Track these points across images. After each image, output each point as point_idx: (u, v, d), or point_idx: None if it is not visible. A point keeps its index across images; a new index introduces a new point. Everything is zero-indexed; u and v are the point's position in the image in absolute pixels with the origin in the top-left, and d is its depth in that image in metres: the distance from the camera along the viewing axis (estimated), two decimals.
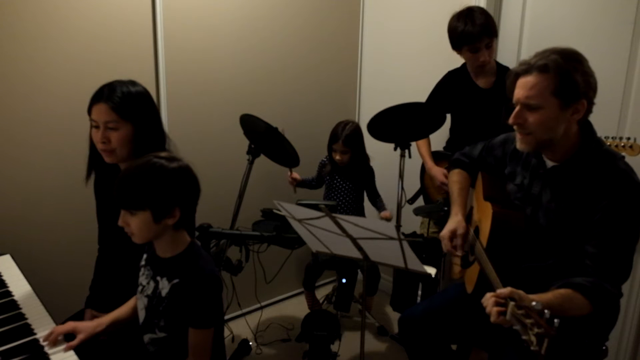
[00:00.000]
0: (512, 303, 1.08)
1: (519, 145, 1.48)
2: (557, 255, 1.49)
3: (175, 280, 1.34)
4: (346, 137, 2.51)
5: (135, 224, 1.29)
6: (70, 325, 1.40)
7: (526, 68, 1.40)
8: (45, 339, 1.35)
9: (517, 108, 1.43)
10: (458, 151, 1.94)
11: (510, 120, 1.45)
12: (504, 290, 1.15)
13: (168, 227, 1.33)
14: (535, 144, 1.45)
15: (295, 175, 2.61)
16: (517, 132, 1.47)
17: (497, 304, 1.15)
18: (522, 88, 1.41)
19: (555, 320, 0.97)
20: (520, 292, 1.15)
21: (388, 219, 2.51)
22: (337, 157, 2.56)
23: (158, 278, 1.39)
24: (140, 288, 1.44)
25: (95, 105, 1.51)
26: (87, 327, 1.42)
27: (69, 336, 1.39)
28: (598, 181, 1.40)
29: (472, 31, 2.17)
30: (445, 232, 1.68)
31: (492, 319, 1.15)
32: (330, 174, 2.65)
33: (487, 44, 2.21)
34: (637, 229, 1.39)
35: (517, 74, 1.43)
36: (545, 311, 1.00)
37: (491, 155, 1.77)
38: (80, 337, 1.38)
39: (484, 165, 1.80)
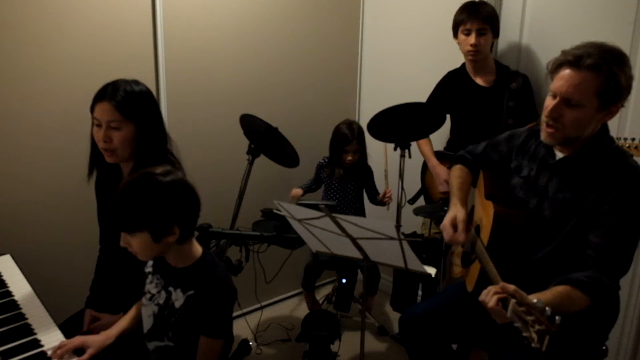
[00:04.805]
0: (513, 300, 1.09)
1: (544, 136, 1.45)
2: (559, 245, 1.48)
3: (191, 292, 1.32)
4: (358, 135, 2.55)
5: (136, 244, 1.26)
6: (79, 340, 1.37)
7: (574, 60, 1.34)
8: (54, 353, 1.31)
9: (557, 101, 1.38)
10: (459, 149, 1.94)
11: (546, 112, 1.41)
12: (509, 286, 1.15)
13: (171, 244, 1.29)
14: (562, 139, 1.44)
15: (297, 192, 2.61)
16: (547, 125, 1.43)
17: (497, 293, 1.15)
18: (566, 81, 1.35)
19: (557, 318, 0.98)
20: (523, 293, 1.16)
21: (388, 196, 2.54)
22: (349, 158, 2.56)
23: (170, 289, 1.36)
24: (148, 296, 1.42)
25: (99, 104, 1.50)
26: (96, 341, 1.39)
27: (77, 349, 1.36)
28: (609, 174, 1.40)
29: (470, 12, 2.25)
30: (446, 220, 1.65)
31: (491, 304, 1.15)
32: (342, 177, 2.63)
33: (480, 29, 2.24)
34: None
35: (562, 63, 1.37)
36: (547, 308, 1.00)
37: (496, 151, 1.76)
38: (90, 352, 1.35)
39: (487, 162, 1.80)
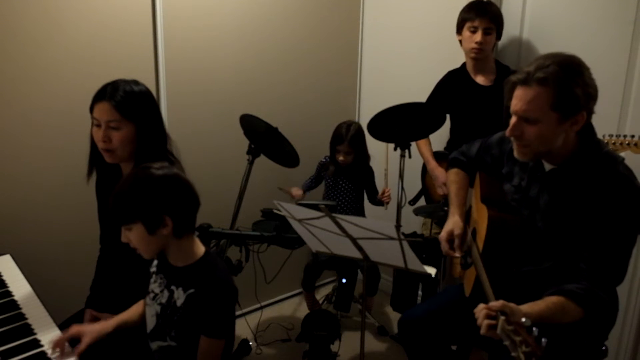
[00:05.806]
0: (502, 318, 1.08)
1: (516, 155, 1.46)
2: (554, 258, 1.48)
3: (191, 290, 1.33)
4: (351, 137, 2.54)
5: (134, 238, 1.29)
6: (74, 329, 1.38)
7: (524, 78, 1.35)
8: (53, 348, 1.32)
9: (514, 120, 1.39)
10: (455, 150, 1.93)
11: (507, 133, 1.42)
12: (496, 304, 1.15)
13: (167, 237, 1.30)
14: (533, 155, 1.44)
15: (298, 192, 2.61)
16: (515, 143, 1.44)
17: (488, 316, 1.15)
18: (519, 100, 1.36)
19: (543, 340, 0.97)
20: (512, 305, 1.16)
21: (387, 195, 2.53)
22: (341, 158, 2.56)
23: (173, 287, 1.37)
24: (152, 295, 1.42)
25: (98, 104, 1.51)
26: (92, 330, 1.39)
27: (74, 340, 1.36)
28: (598, 185, 1.38)
29: (478, 10, 2.27)
30: (443, 234, 1.68)
31: (482, 331, 1.16)
32: (334, 175, 2.65)
33: (487, 28, 2.26)
34: (634, 234, 1.39)
35: (515, 83, 1.38)
36: (534, 329, 1.00)
37: (488, 154, 1.76)
38: (86, 341, 1.35)
39: (482, 164, 1.80)
